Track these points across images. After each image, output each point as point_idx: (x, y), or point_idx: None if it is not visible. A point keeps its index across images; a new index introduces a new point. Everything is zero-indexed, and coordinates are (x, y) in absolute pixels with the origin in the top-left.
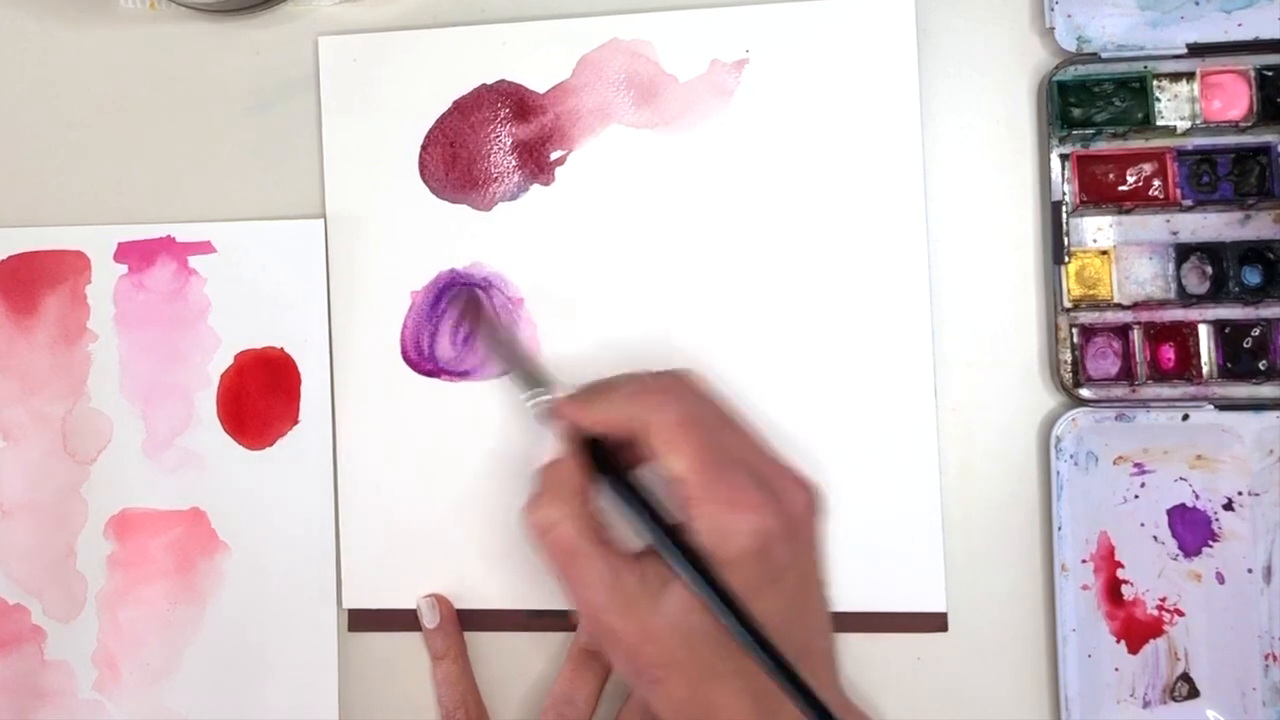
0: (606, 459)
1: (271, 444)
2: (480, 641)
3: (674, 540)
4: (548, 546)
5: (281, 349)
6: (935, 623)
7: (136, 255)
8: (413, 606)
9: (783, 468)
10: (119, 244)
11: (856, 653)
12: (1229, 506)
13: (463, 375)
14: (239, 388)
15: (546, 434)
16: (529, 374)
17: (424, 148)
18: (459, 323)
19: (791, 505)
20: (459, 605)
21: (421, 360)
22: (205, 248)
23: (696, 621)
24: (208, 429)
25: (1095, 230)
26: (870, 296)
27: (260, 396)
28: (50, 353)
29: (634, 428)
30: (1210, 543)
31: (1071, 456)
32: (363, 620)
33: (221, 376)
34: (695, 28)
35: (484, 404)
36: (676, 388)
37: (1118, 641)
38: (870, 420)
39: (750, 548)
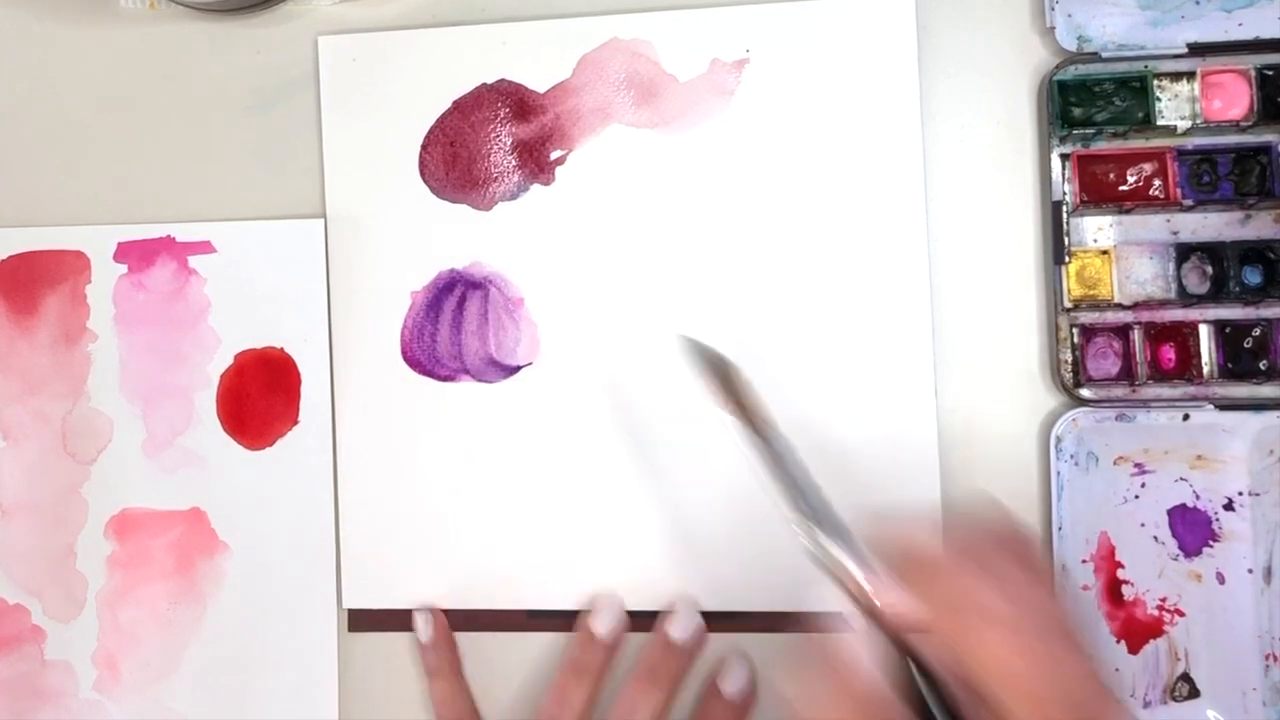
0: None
1: (271, 444)
2: (479, 641)
3: None
4: None
5: (281, 349)
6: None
7: (136, 255)
8: (413, 606)
9: (1110, 697)
10: (119, 244)
11: None
12: (1229, 506)
13: (462, 375)
14: (239, 388)
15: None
16: (824, 517)
17: (424, 147)
18: (707, 391)
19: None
20: (458, 605)
21: (421, 360)
22: (205, 248)
23: None
24: (208, 429)
25: (1095, 230)
26: (870, 296)
27: (260, 396)
28: (50, 353)
29: (947, 656)
30: (1210, 543)
31: (1072, 456)
32: (363, 620)
33: (221, 376)
34: (695, 27)
35: (484, 403)
36: (964, 573)
37: (1118, 642)
38: (870, 420)
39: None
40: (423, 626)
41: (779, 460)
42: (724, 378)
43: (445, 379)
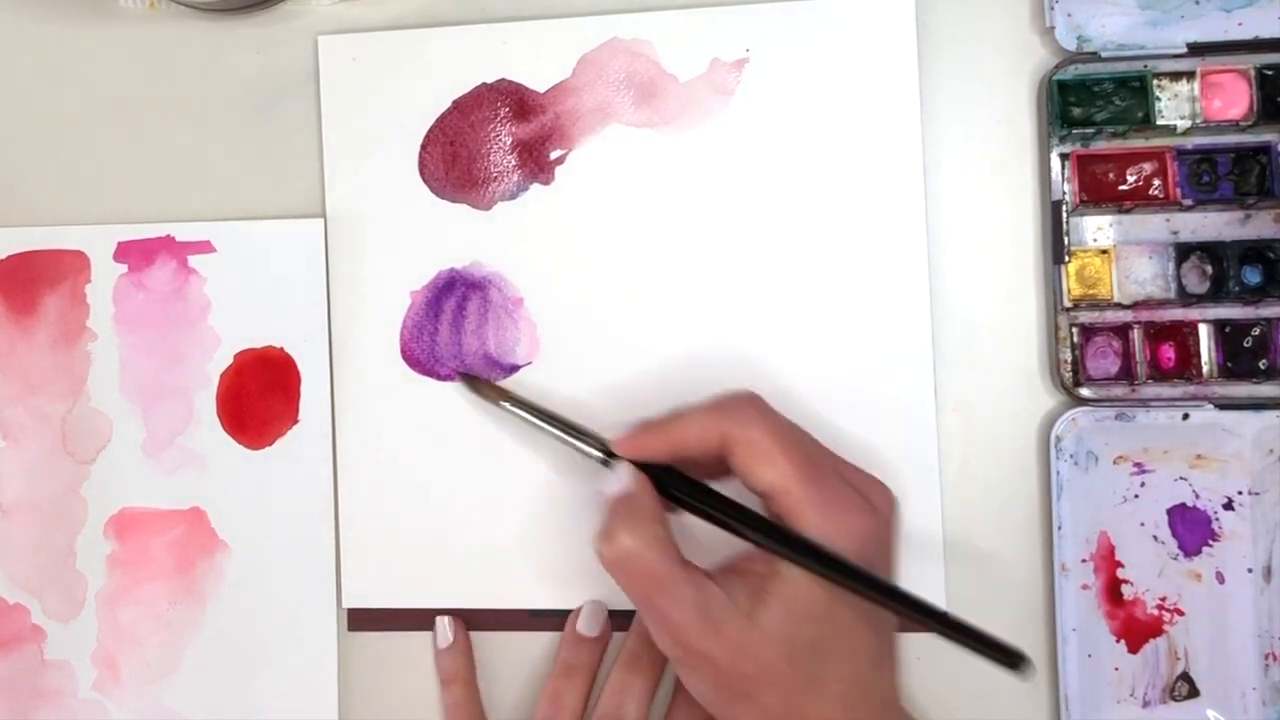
0: (680, 482)
1: (271, 443)
2: (481, 641)
3: (783, 535)
4: (628, 575)
5: (281, 348)
6: None
7: (136, 255)
8: (413, 606)
9: (863, 473)
10: (119, 243)
11: None
12: (1229, 506)
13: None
14: (239, 387)
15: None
16: (570, 428)
17: (424, 147)
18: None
19: (882, 509)
20: (459, 604)
21: (421, 359)
22: (205, 247)
23: (800, 631)
24: (208, 428)
25: (1095, 230)
26: (870, 295)
27: (260, 396)
28: (50, 352)
29: (717, 446)
30: (1210, 542)
31: (1071, 456)
32: (363, 620)
33: (221, 376)
34: (695, 27)
35: (484, 403)
36: (755, 405)
37: (1118, 641)
38: (871, 418)
39: (853, 551)
40: (444, 631)
41: (545, 413)
42: (484, 388)
43: (445, 378)
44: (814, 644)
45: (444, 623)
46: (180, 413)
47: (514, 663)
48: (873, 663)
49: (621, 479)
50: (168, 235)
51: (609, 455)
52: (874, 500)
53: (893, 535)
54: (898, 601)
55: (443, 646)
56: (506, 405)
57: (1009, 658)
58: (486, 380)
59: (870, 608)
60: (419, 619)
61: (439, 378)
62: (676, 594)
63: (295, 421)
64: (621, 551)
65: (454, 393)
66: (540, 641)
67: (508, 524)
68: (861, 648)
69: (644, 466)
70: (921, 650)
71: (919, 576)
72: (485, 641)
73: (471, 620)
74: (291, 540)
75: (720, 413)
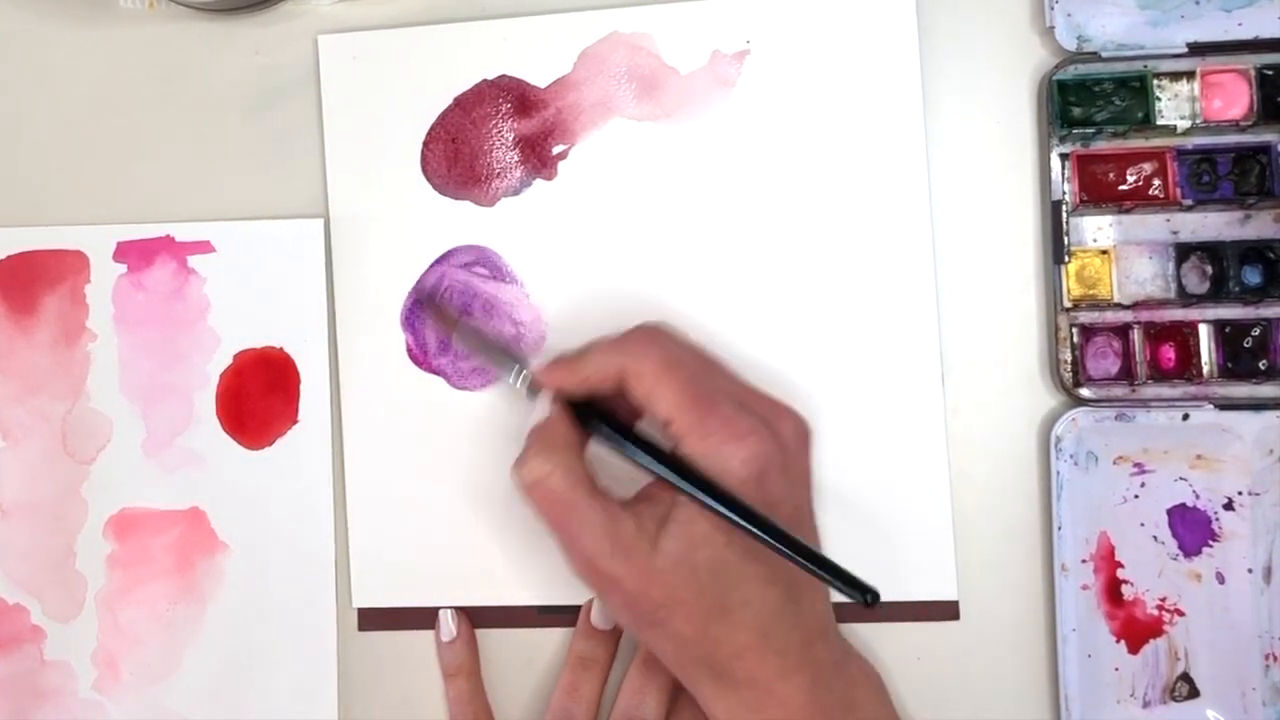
0: (596, 416)
1: (271, 444)
2: (489, 638)
3: (676, 466)
4: (540, 500)
5: (281, 349)
6: (947, 611)
7: (136, 255)
8: (421, 605)
9: (771, 400)
10: (118, 244)
11: (866, 642)
12: (1229, 506)
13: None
14: (238, 387)
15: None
16: (505, 356)
17: (425, 144)
18: (434, 330)
19: (783, 434)
20: (468, 602)
21: (426, 356)
22: (204, 247)
23: (701, 557)
24: (207, 429)
25: (1095, 230)
26: (874, 288)
27: (260, 396)
28: (50, 352)
29: (617, 379)
30: (1210, 543)
31: (1071, 456)
32: (372, 619)
33: (221, 376)
34: (696, 20)
35: (489, 399)
36: (652, 337)
37: (1118, 641)
38: (877, 409)
39: (746, 476)
40: (448, 625)
41: (491, 341)
42: (443, 311)
43: (449, 378)
44: (717, 571)
45: (447, 616)
46: (180, 413)
47: (524, 659)
48: (787, 592)
49: (540, 409)
50: (167, 235)
51: (530, 386)
52: (775, 426)
53: (793, 461)
54: (772, 537)
55: (446, 640)
56: (460, 329)
57: (861, 591)
58: (445, 303)
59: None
60: (429, 617)
61: (443, 374)
62: (585, 519)
63: (295, 422)
64: (532, 476)
65: (452, 392)
66: (551, 637)
67: (516, 520)
68: (771, 575)
69: (575, 402)
70: (922, 650)
71: (930, 566)
72: (495, 639)
73: (481, 617)
74: (291, 540)
75: (619, 347)
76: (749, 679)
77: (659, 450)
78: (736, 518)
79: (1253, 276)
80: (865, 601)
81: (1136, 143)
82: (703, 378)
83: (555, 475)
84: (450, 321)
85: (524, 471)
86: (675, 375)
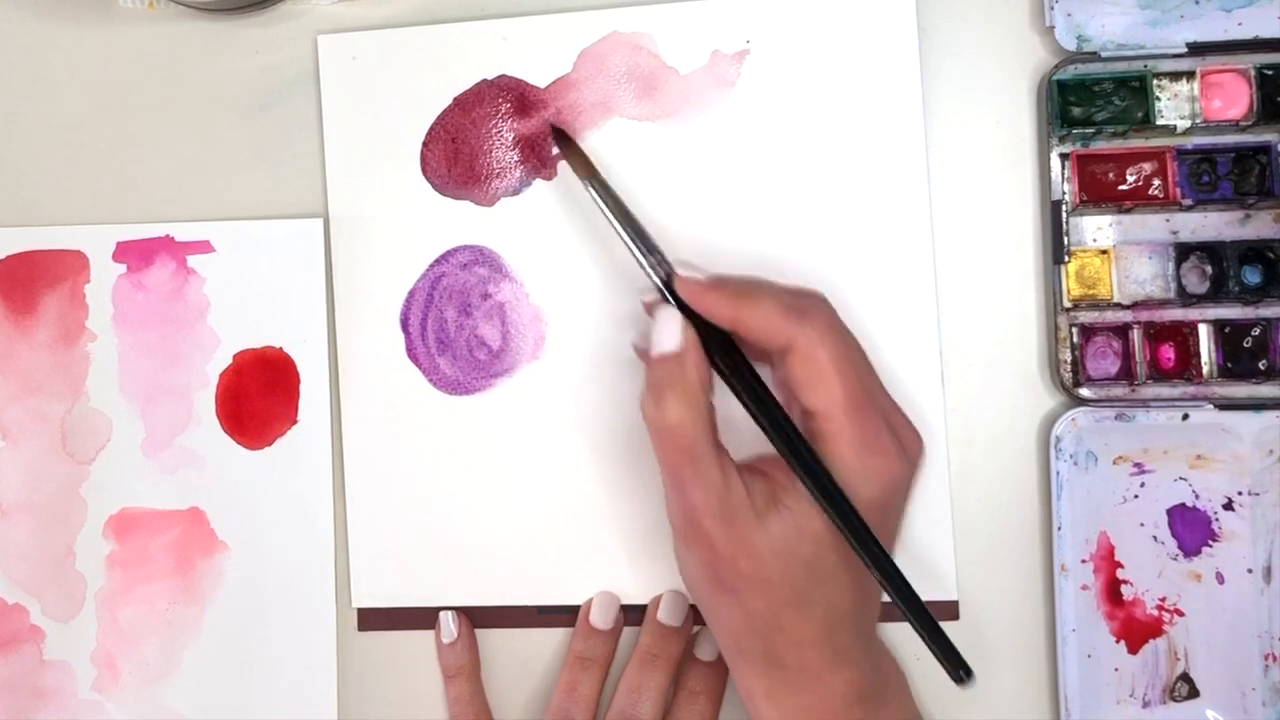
0: (732, 358)
1: (270, 444)
2: (489, 638)
3: (810, 462)
4: (666, 442)
5: (280, 349)
6: (947, 611)
7: (135, 255)
8: (421, 605)
9: (904, 417)
10: (118, 243)
11: None
12: (1229, 506)
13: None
14: (238, 387)
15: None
16: (644, 240)
17: (425, 144)
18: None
19: (913, 456)
20: (467, 602)
21: (426, 356)
22: (204, 247)
23: (804, 550)
24: (207, 429)
25: (1095, 230)
26: (874, 288)
27: (259, 396)
28: (49, 352)
29: (782, 345)
30: (1210, 543)
31: (1071, 456)
32: (372, 619)
33: (220, 376)
34: (695, 19)
35: (489, 399)
36: (830, 319)
37: (1117, 641)
38: None
39: (875, 498)
40: (448, 626)
41: (624, 212)
42: (575, 155)
43: (449, 376)
44: (811, 564)
45: (447, 617)
46: (179, 413)
47: (523, 660)
48: (862, 596)
49: (675, 335)
50: (167, 235)
51: (667, 290)
52: (907, 446)
53: (914, 483)
54: (884, 576)
55: (447, 641)
56: (591, 186)
57: (956, 669)
58: (578, 147)
59: (888, 546)
60: (429, 618)
61: (443, 374)
62: (701, 471)
63: (294, 422)
64: (666, 421)
65: (455, 391)
66: (550, 638)
67: (515, 520)
68: (856, 582)
69: (697, 322)
70: (922, 650)
71: (929, 566)
72: (494, 639)
73: (480, 618)
74: (291, 540)
75: (796, 314)
76: (800, 666)
77: (791, 430)
78: (855, 543)
79: (1253, 276)
80: (959, 678)
81: (1136, 143)
82: (867, 381)
83: (690, 423)
84: (589, 170)
85: (661, 413)
86: (847, 374)
